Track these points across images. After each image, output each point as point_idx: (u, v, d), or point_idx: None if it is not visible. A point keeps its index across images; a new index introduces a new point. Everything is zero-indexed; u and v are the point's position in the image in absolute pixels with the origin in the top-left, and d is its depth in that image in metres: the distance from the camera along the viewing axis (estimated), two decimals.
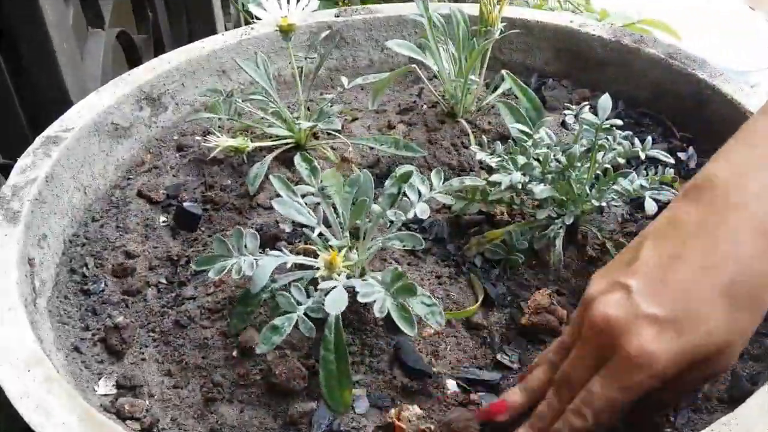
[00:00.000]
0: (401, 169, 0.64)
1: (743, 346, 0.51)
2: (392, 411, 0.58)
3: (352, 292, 0.57)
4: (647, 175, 0.69)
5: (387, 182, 0.64)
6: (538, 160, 0.70)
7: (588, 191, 0.69)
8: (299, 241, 0.73)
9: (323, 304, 0.56)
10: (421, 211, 0.62)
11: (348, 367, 0.59)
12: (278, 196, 0.64)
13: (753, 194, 0.51)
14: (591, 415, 0.50)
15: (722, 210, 0.51)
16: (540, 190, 0.67)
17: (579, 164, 0.69)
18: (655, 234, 0.54)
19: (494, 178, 0.69)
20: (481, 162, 0.81)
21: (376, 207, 0.62)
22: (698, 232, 0.51)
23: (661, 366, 0.48)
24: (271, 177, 0.64)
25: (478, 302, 0.66)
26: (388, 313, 0.55)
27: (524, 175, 0.69)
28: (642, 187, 0.67)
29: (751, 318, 0.50)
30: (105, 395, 0.62)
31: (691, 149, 0.84)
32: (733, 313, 0.49)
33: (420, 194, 0.62)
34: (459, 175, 0.79)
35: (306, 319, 0.57)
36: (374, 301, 0.55)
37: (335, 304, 0.55)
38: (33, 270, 0.68)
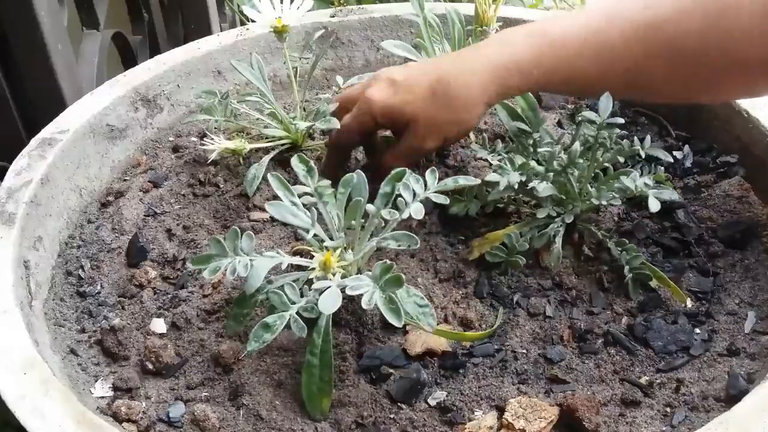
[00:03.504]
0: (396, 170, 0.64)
1: (435, 132, 0.71)
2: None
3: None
4: (641, 173, 0.69)
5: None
6: (537, 160, 0.70)
7: (589, 189, 0.69)
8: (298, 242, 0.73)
9: (317, 304, 0.56)
10: (416, 210, 0.61)
11: (331, 376, 0.59)
12: (275, 196, 0.64)
13: (497, 41, 0.70)
14: (335, 137, 0.77)
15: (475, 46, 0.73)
16: (543, 188, 0.67)
17: (580, 161, 0.69)
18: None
19: (491, 177, 0.69)
20: (476, 159, 0.81)
21: (371, 207, 0.62)
22: (451, 56, 0.77)
23: (375, 108, 0.71)
24: (268, 176, 0.64)
25: (494, 327, 0.65)
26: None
27: (521, 174, 0.69)
28: (646, 185, 0.67)
29: (443, 112, 0.69)
30: (102, 398, 0.61)
31: (686, 148, 0.84)
32: (429, 99, 0.69)
33: (415, 194, 0.62)
34: (455, 175, 0.79)
35: (298, 318, 0.57)
36: (362, 295, 0.55)
37: (328, 303, 0.55)
38: (29, 272, 0.67)
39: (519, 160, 0.70)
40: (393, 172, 0.63)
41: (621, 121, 0.67)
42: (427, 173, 0.63)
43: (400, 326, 0.55)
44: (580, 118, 0.69)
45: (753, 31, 0.60)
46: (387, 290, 0.55)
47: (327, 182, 0.64)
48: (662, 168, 0.69)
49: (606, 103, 0.68)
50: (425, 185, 0.63)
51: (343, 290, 0.56)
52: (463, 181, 0.63)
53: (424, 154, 0.72)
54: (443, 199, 0.62)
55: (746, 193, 0.76)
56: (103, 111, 0.83)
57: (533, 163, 0.70)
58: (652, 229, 0.74)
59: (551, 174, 0.69)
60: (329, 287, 0.56)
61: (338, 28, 0.99)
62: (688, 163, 0.82)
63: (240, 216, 0.77)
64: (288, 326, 0.57)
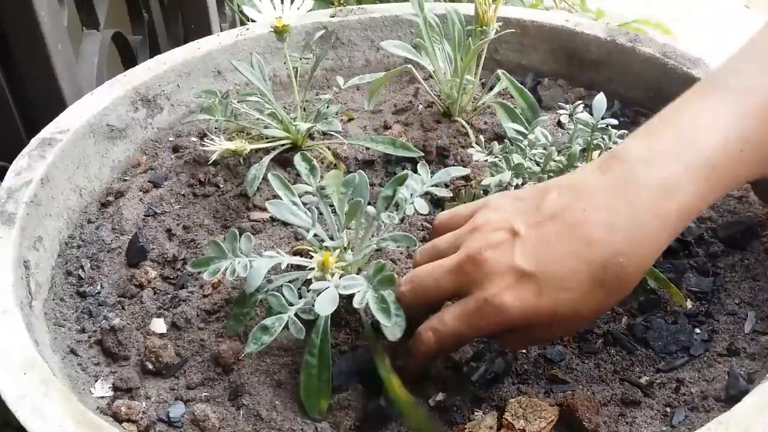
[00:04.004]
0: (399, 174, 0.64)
1: (596, 316, 0.59)
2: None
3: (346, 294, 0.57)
4: None
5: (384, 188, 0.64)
6: (535, 160, 0.70)
7: None
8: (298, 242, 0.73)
9: (314, 306, 0.56)
10: (420, 206, 0.62)
11: (329, 376, 0.58)
12: (275, 196, 0.64)
13: (660, 177, 0.51)
14: (435, 340, 0.55)
15: (624, 186, 0.52)
16: None
17: (579, 164, 0.69)
18: (561, 190, 0.54)
19: (486, 180, 0.69)
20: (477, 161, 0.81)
21: (371, 209, 0.62)
22: (596, 204, 0.52)
23: (509, 318, 0.51)
24: (269, 176, 0.64)
25: None
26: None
27: (518, 176, 0.69)
28: None
29: (610, 299, 0.53)
30: (102, 398, 0.61)
31: None
32: (594, 291, 0.51)
33: (413, 190, 0.63)
34: None
35: (296, 320, 0.57)
36: (354, 294, 0.55)
37: (325, 305, 0.55)
38: (29, 272, 0.67)
39: (516, 160, 0.70)
40: (396, 176, 0.63)
41: (614, 122, 0.67)
42: (419, 166, 0.64)
43: (390, 326, 0.54)
44: (575, 120, 0.69)
45: None
46: (379, 289, 0.55)
47: (333, 182, 0.63)
48: None
49: (600, 103, 0.68)
50: (422, 181, 0.63)
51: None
52: (455, 172, 0.64)
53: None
54: (446, 192, 0.63)
55: (746, 193, 0.76)
56: (103, 111, 0.83)
57: (530, 164, 0.70)
58: None
59: (546, 176, 0.69)
60: (327, 288, 0.56)
61: (338, 28, 0.99)
62: None
63: (240, 216, 0.77)
64: (287, 328, 0.57)
